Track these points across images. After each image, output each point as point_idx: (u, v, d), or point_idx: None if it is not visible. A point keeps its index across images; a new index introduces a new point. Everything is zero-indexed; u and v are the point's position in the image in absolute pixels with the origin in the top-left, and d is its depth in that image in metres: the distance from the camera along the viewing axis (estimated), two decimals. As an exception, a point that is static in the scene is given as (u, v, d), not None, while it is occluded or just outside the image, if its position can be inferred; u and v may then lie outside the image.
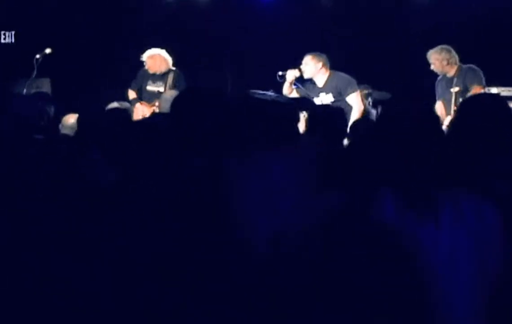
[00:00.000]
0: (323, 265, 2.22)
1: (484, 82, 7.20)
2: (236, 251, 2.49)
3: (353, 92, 7.02)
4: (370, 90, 8.13)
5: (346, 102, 6.94)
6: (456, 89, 7.12)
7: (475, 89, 6.99)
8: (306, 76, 7.17)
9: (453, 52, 7.35)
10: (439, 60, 7.34)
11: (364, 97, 7.66)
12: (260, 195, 2.73)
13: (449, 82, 7.31)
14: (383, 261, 2.11)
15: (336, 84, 7.04)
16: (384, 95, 8.32)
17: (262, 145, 3.09)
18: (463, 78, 7.22)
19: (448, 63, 7.31)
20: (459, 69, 7.31)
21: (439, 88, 7.48)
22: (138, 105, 7.60)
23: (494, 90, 7.48)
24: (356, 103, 6.97)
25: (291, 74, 7.19)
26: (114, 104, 6.83)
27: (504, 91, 7.34)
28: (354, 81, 7.11)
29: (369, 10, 8.63)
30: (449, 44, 7.38)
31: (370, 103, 8.11)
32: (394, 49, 8.38)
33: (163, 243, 2.45)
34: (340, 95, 7.00)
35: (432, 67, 7.41)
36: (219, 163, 2.73)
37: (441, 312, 2.16)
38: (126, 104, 7.27)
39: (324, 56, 7.17)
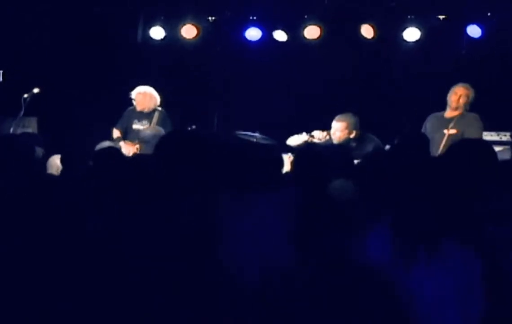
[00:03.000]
0: (307, 305, 2.24)
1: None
2: (226, 289, 2.51)
3: None
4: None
5: None
6: (453, 131, 6.63)
7: None
8: (334, 141, 6.72)
9: None
10: (468, 96, 6.81)
11: None
12: (248, 237, 2.75)
13: (444, 122, 6.79)
14: (366, 302, 2.14)
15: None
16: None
17: (248, 188, 3.12)
18: (463, 124, 6.72)
19: (469, 103, 6.82)
20: (462, 113, 6.82)
21: (428, 127, 6.89)
22: (122, 143, 7.62)
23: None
24: None
25: (318, 136, 6.80)
26: (106, 143, 6.78)
27: (486, 136, 7.19)
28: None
29: (356, 53, 8.70)
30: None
31: None
32: (382, 94, 8.39)
33: (154, 282, 2.47)
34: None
35: (455, 97, 6.78)
36: (208, 205, 2.76)
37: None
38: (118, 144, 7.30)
39: (354, 118, 6.76)
